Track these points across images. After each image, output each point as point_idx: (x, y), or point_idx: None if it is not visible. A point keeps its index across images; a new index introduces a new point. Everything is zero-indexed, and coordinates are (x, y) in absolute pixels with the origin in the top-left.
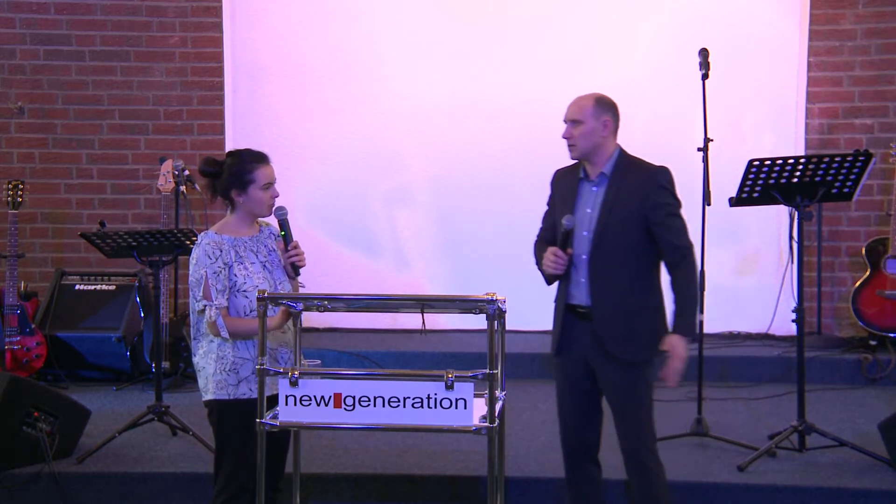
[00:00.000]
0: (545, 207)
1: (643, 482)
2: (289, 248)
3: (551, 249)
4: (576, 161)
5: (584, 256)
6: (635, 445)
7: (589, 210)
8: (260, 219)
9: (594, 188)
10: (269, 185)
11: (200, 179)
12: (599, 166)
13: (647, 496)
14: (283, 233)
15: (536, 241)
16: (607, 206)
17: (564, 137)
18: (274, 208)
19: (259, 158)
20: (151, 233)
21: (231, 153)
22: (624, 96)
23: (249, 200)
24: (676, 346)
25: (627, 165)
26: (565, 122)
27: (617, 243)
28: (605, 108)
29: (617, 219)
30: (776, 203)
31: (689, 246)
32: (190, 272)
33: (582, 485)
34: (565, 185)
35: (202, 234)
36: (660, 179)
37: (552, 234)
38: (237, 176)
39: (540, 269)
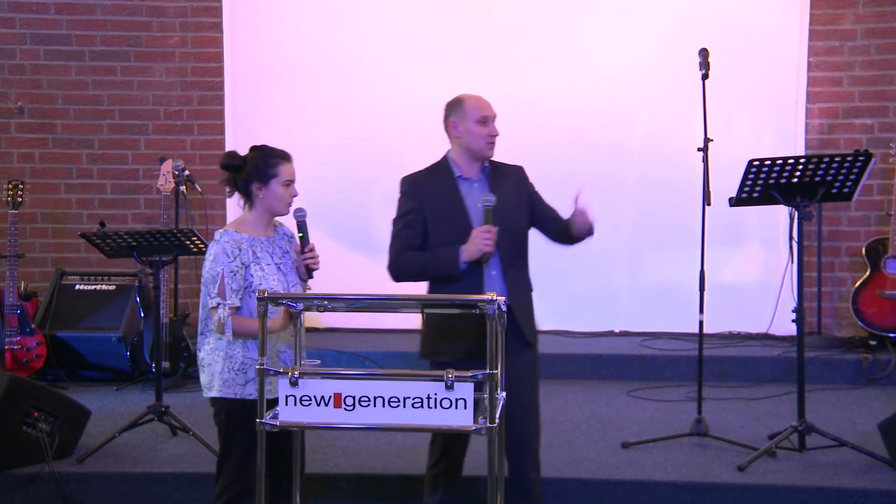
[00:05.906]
0: (412, 216)
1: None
2: (305, 249)
3: (481, 228)
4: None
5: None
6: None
7: (479, 205)
8: (276, 218)
9: (475, 184)
10: (290, 182)
11: (201, 179)
12: (479, 164)
13: None
14: (300, 234)
15: (401, 251)
16: (499, 200)
17: (497, 135)
18: (293, 209)
19: (282, 155)
20: (151, 233)
21: (255, 147)
22: (624, 96)
23: (270, 195)
24: None
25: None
26: (493, 118)
27: (514, 234)
28: None
29: (507, 211)
30: (776, 203)
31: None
32: (206, 268)
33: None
34: (437, 188)
35: (220, 231)
36: (524, 174)
37: (423, 241)
38: (260, 169)
39: (405, 279)
